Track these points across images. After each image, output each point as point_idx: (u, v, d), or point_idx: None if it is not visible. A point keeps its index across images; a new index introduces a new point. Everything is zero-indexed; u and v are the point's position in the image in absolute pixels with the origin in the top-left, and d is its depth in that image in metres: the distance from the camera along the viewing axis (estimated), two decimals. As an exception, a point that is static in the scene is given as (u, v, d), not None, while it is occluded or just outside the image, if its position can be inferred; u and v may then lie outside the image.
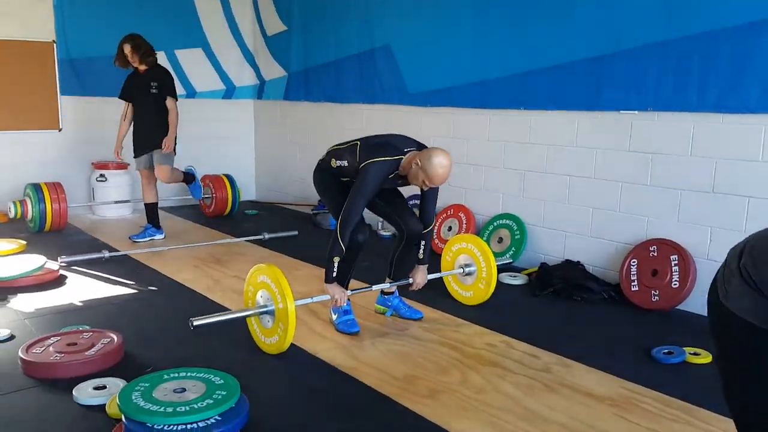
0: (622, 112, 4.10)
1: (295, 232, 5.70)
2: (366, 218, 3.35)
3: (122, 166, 6.45)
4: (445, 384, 2.81)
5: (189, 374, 2.46)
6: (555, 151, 4.51)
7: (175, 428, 2.13)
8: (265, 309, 3.02)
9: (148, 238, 5.37)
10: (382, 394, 2.69)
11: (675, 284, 3.77)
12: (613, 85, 4.10)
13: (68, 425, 2.40)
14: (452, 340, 3.31)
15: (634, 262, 3.99)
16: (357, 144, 3.31)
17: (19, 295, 3.87)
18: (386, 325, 3.52)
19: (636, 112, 4.02)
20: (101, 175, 6.35)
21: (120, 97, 5.31)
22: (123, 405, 2.22)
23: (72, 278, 4.25)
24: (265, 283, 3.07)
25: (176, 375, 2.45)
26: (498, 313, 3.73)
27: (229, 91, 7.48)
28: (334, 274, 3.23)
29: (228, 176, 6.60)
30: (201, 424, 2.16)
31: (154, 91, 5.14)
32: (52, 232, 5.56)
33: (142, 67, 5.15)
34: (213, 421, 2.19)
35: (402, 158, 3.20)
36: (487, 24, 4.81)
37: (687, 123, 3.78)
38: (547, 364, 3.05)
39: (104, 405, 2.50)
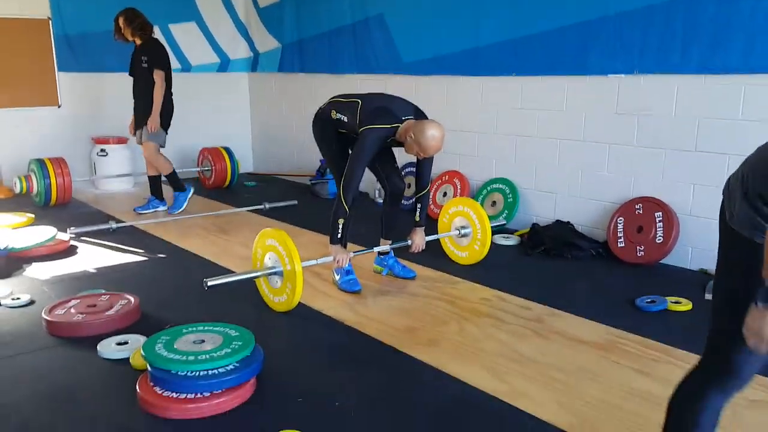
0: (609, 75, 4.25)
1: (295, 202, 5.86)
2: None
3: (122, 140, 6.57)
4: (443, 334, 3.01)
5: (206, 328, 2.65)
6: (545, 115, 4.67)
7: (197, 374, 2.32)
8: (273, 270, 3.20)
9: (152, 210, 5.52)
10: (385, 344, 2.90)
11: (659, 239, 3.97)
12: (600, 49, 4.24)
13: (96, 377, 2.59)
14: (449, 296, 3.52)
15: (620, 219, 4.18)
16: (358, 103, 3.44)
17: (33, 264, 4.03)
18: (385, 284, 3.72)
19: (622, 75, 4.17)
20: (102, 150, 6.46)
21: (129, 73, 5.35)
22: (148, 355, 2.41)
23: (83, 248, 4.42)
24: (273, 246, 3.24)
25: (194, 329, 2.64)
26: (492, 271, 3.93)
27: (224, 65, 7.57)
28: (339, 236, 3.41)
29: (227, 149, 6.73)
30: (221, 370, 2.35)
31: (144, 65, 5.13)
32: (57, 206, 5.70)
33: (138, 42, 5.20)
34: (231, 367, 2.38)
35: (399, 126, 3.35)
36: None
37: (671, 85, 3.94)
38: (538, 314, 3.25)
39: (127, 358, 2.69)
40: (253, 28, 7.50)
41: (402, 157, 3.76)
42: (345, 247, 3.56)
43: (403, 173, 4.23)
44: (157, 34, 6.50)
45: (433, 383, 2.55)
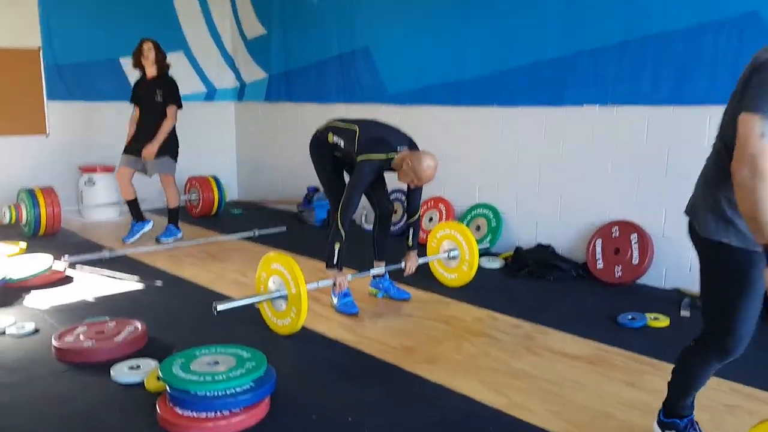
0: (584, 106, 4.52)
1: (284, 228, 6.01)
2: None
3: (109, 168, 6.65)
4: (440, 352, 3.18)
5: (219, 350, 2.77)
6: (526, 144, 4.92)
7: (216, 394, 2.44)
8: (279, 294, 3.34)
9: (172, 238, 5.60)
10: (386, 362, 3.05)
11: (635, 260, 4.22)
12: (577, 82, 4.53)
13: (112, 400, 2.69)
14: (443, 316, 3.69)
15: (598, 242, 4.42)
16: (356, 131, 3.64)
17: (32, 292, 4.10)
18: (381, 306, 3.88)
19: (597, 106, 4.45)
20: (89, 179, 6.53)
21: (130, 101, 5.49)
22: (166, 376, 2.52)
23: (78, 277, 4.48)
24: (278, 270, 3.39)
25: (207, 351, 2.76)
26: (480, 292, 4.12)
27: (210, 94, 7.73)
28: (335, 260, 3.58)
29: (215, 178, 6.86)
30: (238, 390, 2.48)
31: (159, 99, 5.31)
32: (46, 235, 5.74)
33: (152, 73, 5.35)
34: (247, 387, 2.51)
35: (395, 156, 3.55)
36: (461, 28, 5.19)
37: (642, 115, 4.22)
38: (528, 332, 3.45)
39: (141, 382, 2.79)
40: (240, 58, 7.69)
41: (390, 182, 3.96)
42: (341, 270, 3.72)
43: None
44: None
45: (436, 398, 2.71)
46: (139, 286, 4.31)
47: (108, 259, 4.89)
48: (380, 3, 5.90)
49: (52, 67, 6.48)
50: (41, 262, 4.38)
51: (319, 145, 3.85)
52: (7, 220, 5.68)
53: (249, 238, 5.73)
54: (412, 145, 3.62)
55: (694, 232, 2.09)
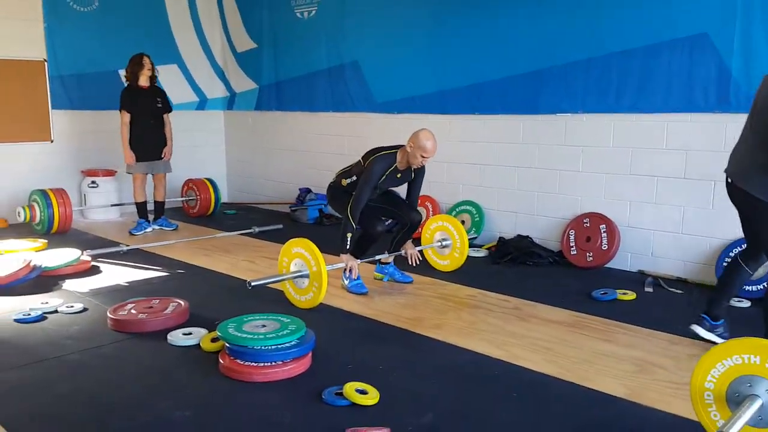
0: (557, 114, 5.15)
1: (280, 226, 6.48)
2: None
3: (110, 172, 7.04)
4: (445, 320, 3.73)
5: (263, 317, 3.26)
6: (505, 147, 5.53)
7: (270, 348, 2.93)
8: (303, 273, 3.84)
9: (149, 229, 6.25)
10: (401, 328, 3.59)
11: (604, 247, 4.85)
12: (550, 93, 5.15)
13: (174, 359, 3.14)
14: (441, 294, 4.25)
15: (572, 232, 5.04)
16: (359, 160, 4.22)
17: (67, 281, 4.49)
18: (387, 288, 4.41)
19: (568, 114, 5.08)
20: (93, 182, 6.90)
21: (127, 110, 5.93)
22: (225, 336, 3.00)
23: (104, 267, 4.89)
24: (299, 254, 3.89)
25: (254, 318, 3.24)
26: (471, 275, 4.69)
27: (202, 103, 8.17)
28: (348, 246, 4.10)
29: (210, 180, 7.30)
30: (287, 344, 2.97)
31: (159, 106, 5.99)
32: (58, 233, 6.09)
33: (146, 83, 5.90)
34: (294, 342, 3.00)
35: (397, 151, 4.11)
36: (445, 43, 5.79)
37: (608, 121, 4.87)
38: (516, 305, 4.03)
39: (195, 345, 3.26)
40: (230, 70, 8.16)
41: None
42: (355, 256, 4.24)
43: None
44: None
45: (447, 353, 3.25)
46: (165, 273, 4.74)
47: (125, 252, 5.29)
48: (369, 20, 6.45)
49: (56, 78, 6.85)
50: (69, 254, 4.77)
51: (335, 191, 4.37)
52: (21, 219, 6.02)
53: (249, 234, 6.19)
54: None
55: (741, 193, 3.05)
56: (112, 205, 6.99)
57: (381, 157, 4.13)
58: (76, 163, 7.06)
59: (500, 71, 5.42)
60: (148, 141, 6.02)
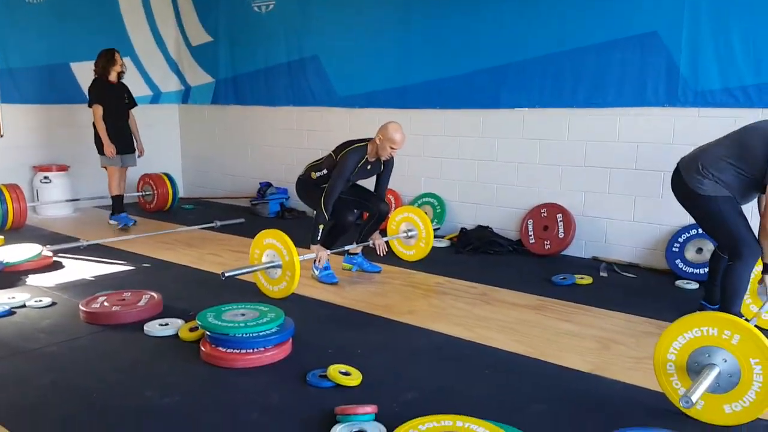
0: (516, 109, 5.35)
1: (242, 220, 6.49)
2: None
3: (63, 167, 6.89)
4: (415, 306, 3.87)
5: (241, 306, 3.31)
6: (465, 141, 5.70)
7: (251, 335, 2.99)
8: (276, 263, 3.90)
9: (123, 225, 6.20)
10: (374, 314, 3.70)
11: (561, 235, 5.08)
12: (509, 88, 5.34)
13: (153, 349, 3.16)
14: (410, 282, 4.38)
15: (530, 221, 5.26)
16: (330, 153, 4.30)
17: (30, 276, 4.41)
18: (356, 278, 4.51)
19: (527, 109, 5.29)
20: (45, 177, 6.73)
21: (98, 103, 5.87)
22: (205, 324, 3.04)
23: (66, 262, 4.82)
24: (271, 244, 3.95)
25: (231, 307, 3.29)
26: (436, 264, 4.84)
27: (156, 97, 8.05)
28: (318, 238, 4.18)
29: (167, 175, 7.23)
30: (268, 332, 3.04)
31: (126, 102, 6.07)
32: (12, 230, 5.94)
33: (115, 79, 5.95)
34: (275, 329, 3.07)
35: (367, 144, 4.22)
36: (407, 38, 5.91)
37: (564, 116, 5.09)
38: (481, 290, 4.20)
39: (173, 335, 3.29)
40: (185, 64, 8.07)
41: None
42: (324, 247, 4.32)
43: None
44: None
45: (420, 335, 3.39)
46: (130, 267, 4.71)
47: (86, 247, 5.21)
48: (329, 14, 6.51)
49: (4, 72, 6.64)
50: (30, 249, 4.68)
51: (305, 184, 4.44)
52: (-27, 215, 5.84)
53: (210, 228, 6.17)
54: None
55: (685, 187, 3.29)
56: (66, 201, 6.83)
57: (353, 150, 4.22)
58: (27, 158, 6.87)
59: (462, 67, 5.58)
60: (120, 134, 6.04)
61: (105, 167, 6.13)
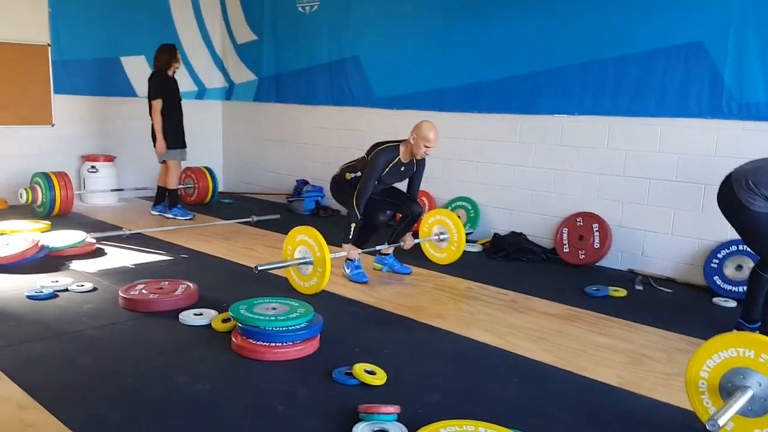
0: (554, 115, 5.31)
1: (278, 216, 6.58)
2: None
3: (110, 158, 7.10)
4: (445, 310, 3.87)
5: (273, 300, 3.38)
6: (502, 146, 5.68)
7: (281, 329, 3.05)
8: (307, 259, 3.97)
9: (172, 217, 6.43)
10: (403, 316, 3.72)
11: (597, 246, 5.02)
12: (548, 94, 5.31)
13: (187, 337, 3.25)
14: (440, 286, 4.39)
15: (565, 230, 5.21)
16: (363, 156, 4.36)
17: (74, 261, 4.57)
18: (386, 278, 4.55)
19: (566, 115, 5.25)
20: (92, 167, 6.95)
21: (160, 97, 6.06)
22: (237, 316, 3.11)
23: (108, 250, 4.97)
24: (304, 241, 4.01)
25: (264, 300, 3.36)
26: (468, 269, 4.83)
27: (201, 92, 8.23)
28: (350, 236, 4.23)
29: (208, 169, 7.38)
30: (297, 326, 3.09)
31: (179, 95, 6.26)
32: (59, 216, 6.14)
33: (171, 74, 6.15)
34: (304, 324, 3.13)
35: (400, 144, 4.25)
36: (447, 42, 5.92)
37: (604, 124, 5.03)
38: (512, 297, 4.18)
39: (206, 325, 3.37)
40: (230, 61, 8.24)
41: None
42: (356, 246, 4.37)
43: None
44: (144, 62, 7.25)
45: (449, 340, 3.40)
46: (169, 257, 4.84)
47: (128, 236, 5.37)
48: (371, 16, 6.57)
49: (59, 63, 6.89)
50: (75, 235, 4.85)
51: (339, 185, 4.49)
52: (24, 200, 6.06)
53: (247, 223, 6.28)
54: None
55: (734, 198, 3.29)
56: (112, 191, 7.04)
57: (384, 149, 4.26)
58: (76, 148, 7.10)
59: (500, 72, 5.57)
60: (179, 129, 6.27)
61: (165, 162, 6.30)
